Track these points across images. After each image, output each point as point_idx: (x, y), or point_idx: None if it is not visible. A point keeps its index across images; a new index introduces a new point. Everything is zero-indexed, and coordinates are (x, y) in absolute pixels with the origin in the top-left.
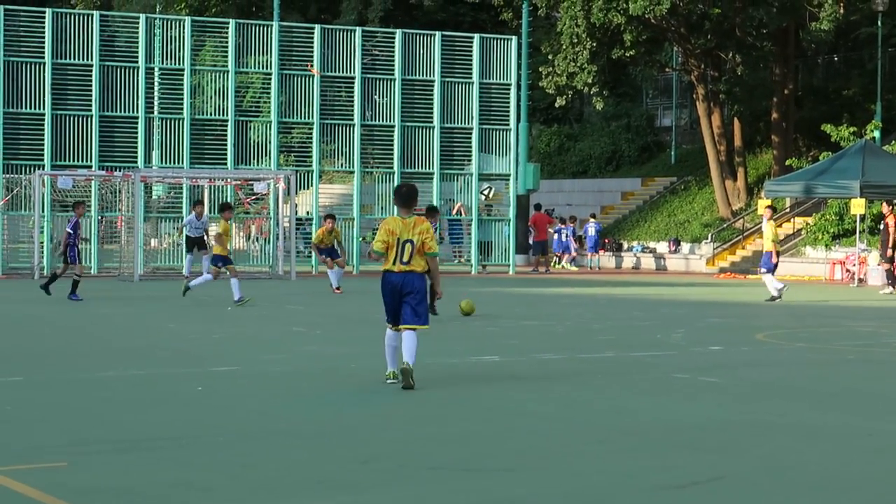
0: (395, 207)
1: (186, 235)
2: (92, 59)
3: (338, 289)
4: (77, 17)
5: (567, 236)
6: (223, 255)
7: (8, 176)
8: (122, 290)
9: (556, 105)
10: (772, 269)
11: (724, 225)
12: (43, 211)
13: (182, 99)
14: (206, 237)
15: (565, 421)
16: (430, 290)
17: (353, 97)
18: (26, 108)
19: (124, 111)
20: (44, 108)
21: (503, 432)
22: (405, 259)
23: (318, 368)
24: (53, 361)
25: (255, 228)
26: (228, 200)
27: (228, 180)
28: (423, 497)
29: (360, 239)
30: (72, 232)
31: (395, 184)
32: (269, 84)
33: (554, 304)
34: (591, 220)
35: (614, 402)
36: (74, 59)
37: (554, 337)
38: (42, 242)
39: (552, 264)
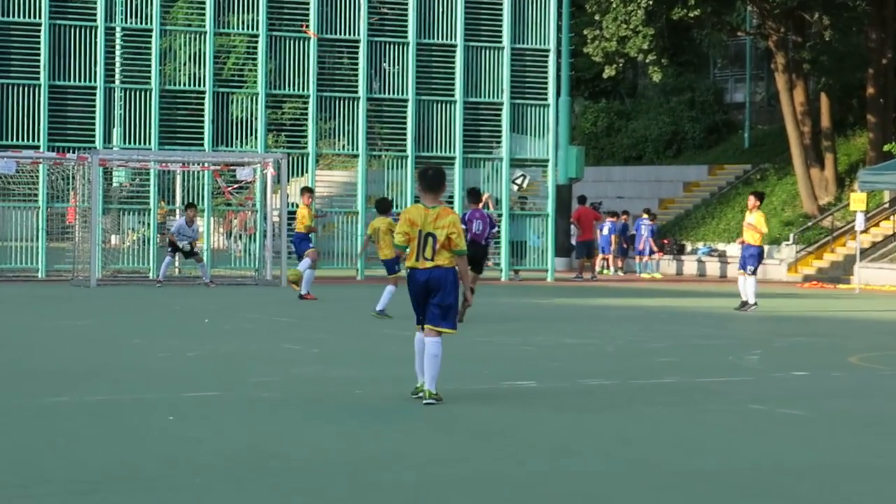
0: (419, 195)
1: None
2: (40, 17)
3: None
4: None
5: (608, 232)
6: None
7: None
8: (77, 297)
9: (605, 76)
10: (756, 270)
11: (810, 223)
12: None
13: (149, 66)
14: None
15: (616, 461)
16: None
17: (357, 65)
18: None
19: (79, 80)
20: None
21: (541, 474)
22: (428, 255)
23: (315, 394)
24: None
25: (238, 223)
26: (204, 189)
27: (206, 165)
28: None
29: (366, 236)
30: None
31: (408, 170)
32: (255, 48)
33: (602, 319)
34: (645, 216)
35: (676, 439)
36: (18, 16)
37: (603, 358)
38: None
39: (601, 269)
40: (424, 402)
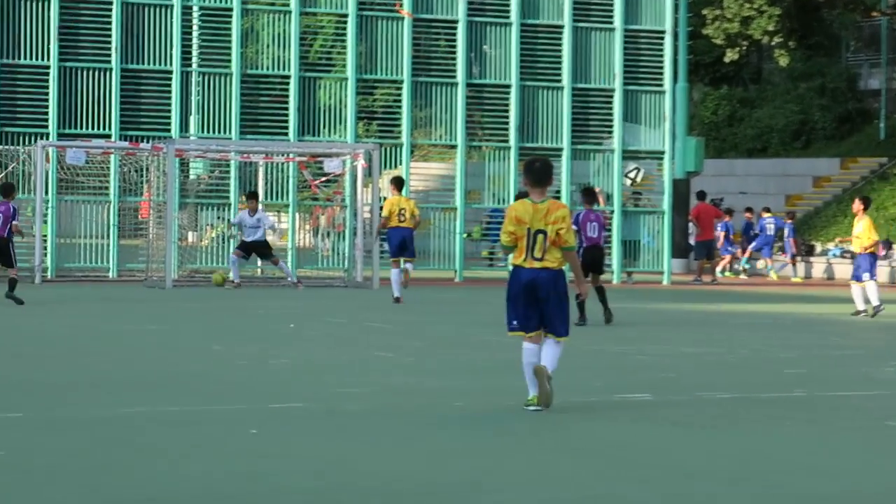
0: (526, 188)
1: (242, 240)
2: None
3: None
4: None
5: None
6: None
7: (1, 147)
8: (151, 299)
9: (726, 60)
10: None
11: None
12: (46, 194)
13: (230, 48)
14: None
15: (741, 481)
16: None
17: (455, 48)
18: (26, 58)
19: (153, 63)
20: (48, 60)
21: (658, 497)
22: (538, 254)
23: (410, 406)
24: (62, 393)
25: (326, 220)
26: (295, 181)
27: (290, 156)
28: None
29: (464, 236)
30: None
31: (511, 162)
32: (345, 29)
33: (723, 326)
34: (767, 215)
35: (806, 458)
36: None
37: (724, 369)
38: (45, 236)
39: (722, 271)
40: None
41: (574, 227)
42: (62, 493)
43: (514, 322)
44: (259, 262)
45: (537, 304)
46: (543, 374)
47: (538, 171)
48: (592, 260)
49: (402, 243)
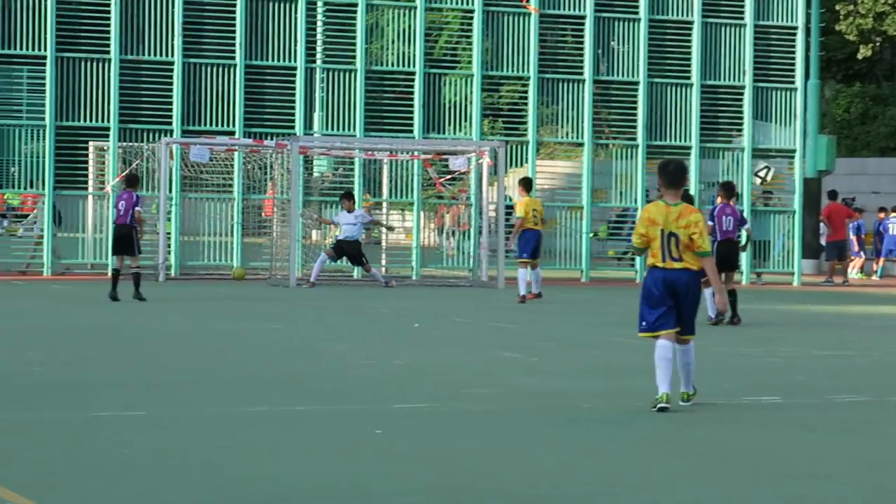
0: (660, 190)
1: (337, 238)
2: None
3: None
4: None
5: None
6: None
7: (125, 144)
8: (274, 297)
9: (860, 56)
10: None
11: None
12: (170, 191)
13: (354, 44)
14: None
15: (868, 487)
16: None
17: (582, 44)
18: (150, 54)
19: (278, 59)
20: (172, 56)
21: (784, 500)
22: (675, 255)
23: (536, 407)
24: (184, 391)
25: (451, 219)
26: (419, 178)
27: (415, 153)
28: None
29: (591, 235)
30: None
31: (639, 160)
32: (470, 25)
33: (854, 328)
34: (894, 214)
35: None
36: None
37: (856, 372)
38: (169, 233)
39: (854, 272)
40: (680, 402)
41: (710, 222)
42: (185, 491)
43: (643, 323)
44: (384, 260)
45: (677, 303)
46: (689, 398)
47: (672, 173)
48: (728, 254)
49: (535, 245)
